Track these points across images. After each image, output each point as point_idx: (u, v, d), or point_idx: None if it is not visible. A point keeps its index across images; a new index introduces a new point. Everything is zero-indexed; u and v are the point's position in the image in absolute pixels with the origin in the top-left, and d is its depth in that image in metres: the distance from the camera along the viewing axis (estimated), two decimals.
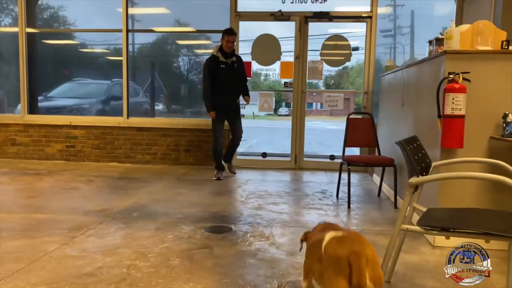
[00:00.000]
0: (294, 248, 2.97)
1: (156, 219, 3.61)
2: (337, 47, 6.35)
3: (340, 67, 6.80)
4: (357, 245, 1.54)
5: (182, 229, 3.34)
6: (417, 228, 1.91)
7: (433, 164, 2.24)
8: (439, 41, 3.28)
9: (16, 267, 2.53)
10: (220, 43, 5.35)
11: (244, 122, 5.83)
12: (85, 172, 5.81)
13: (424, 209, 2.18)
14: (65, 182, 5.11)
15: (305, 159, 6.45)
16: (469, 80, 2.87)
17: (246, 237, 3.21)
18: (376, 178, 5.29)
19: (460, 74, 2.87)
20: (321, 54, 6.35)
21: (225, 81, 5.26)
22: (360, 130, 4.54)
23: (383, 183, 4.66)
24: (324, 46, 6.33)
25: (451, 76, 2.89)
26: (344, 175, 4.35)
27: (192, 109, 7.17)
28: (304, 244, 2.03)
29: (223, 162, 5.63)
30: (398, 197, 4.12)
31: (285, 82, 6.44)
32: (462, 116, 2.86)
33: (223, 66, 5.23)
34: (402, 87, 4.15)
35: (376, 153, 4.60)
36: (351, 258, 1.48)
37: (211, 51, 5.55)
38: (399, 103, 4.26)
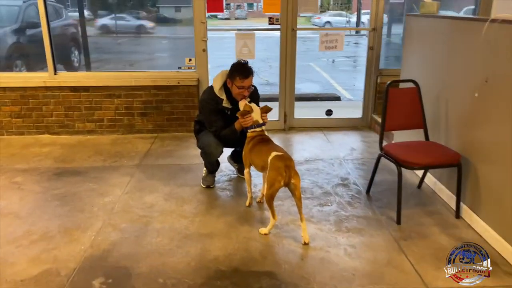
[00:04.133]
0: None
1: None
2: None
3: None
4: (288, 161, 2.77)
5: None
6: None
7: None
8: None
9: None
10: (224, 78, 3.37)
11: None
12: (7, 160, 4.18)
13: None
14: None
15: (295, 116, 5.14)
16: None
17: None
18: None
19: None
20: None
21: (227, 125, 3.42)
22: (403, 106, 3.24)
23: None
24: None
25: None
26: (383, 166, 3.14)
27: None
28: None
29: (233, 162, 3.95)
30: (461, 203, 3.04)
31: (269, 18, 4.83)
32: None
33: (228, 112, 3.43)
34: (486, 51, 2.79)
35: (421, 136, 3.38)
36: (285, 167, 2.72)
37: None
38: (473, 72, 2.94)
